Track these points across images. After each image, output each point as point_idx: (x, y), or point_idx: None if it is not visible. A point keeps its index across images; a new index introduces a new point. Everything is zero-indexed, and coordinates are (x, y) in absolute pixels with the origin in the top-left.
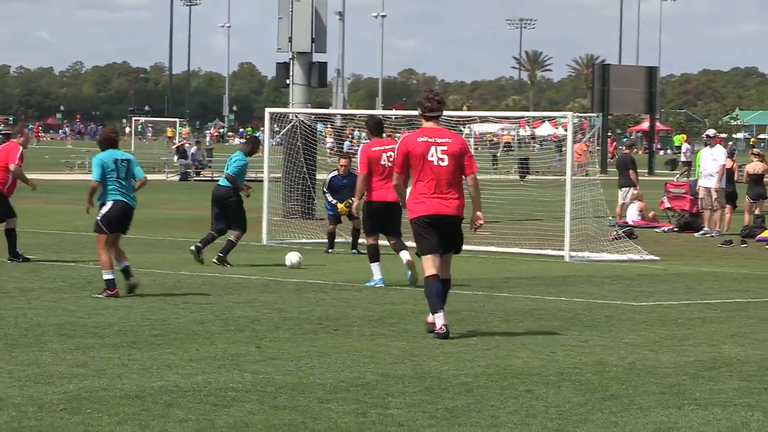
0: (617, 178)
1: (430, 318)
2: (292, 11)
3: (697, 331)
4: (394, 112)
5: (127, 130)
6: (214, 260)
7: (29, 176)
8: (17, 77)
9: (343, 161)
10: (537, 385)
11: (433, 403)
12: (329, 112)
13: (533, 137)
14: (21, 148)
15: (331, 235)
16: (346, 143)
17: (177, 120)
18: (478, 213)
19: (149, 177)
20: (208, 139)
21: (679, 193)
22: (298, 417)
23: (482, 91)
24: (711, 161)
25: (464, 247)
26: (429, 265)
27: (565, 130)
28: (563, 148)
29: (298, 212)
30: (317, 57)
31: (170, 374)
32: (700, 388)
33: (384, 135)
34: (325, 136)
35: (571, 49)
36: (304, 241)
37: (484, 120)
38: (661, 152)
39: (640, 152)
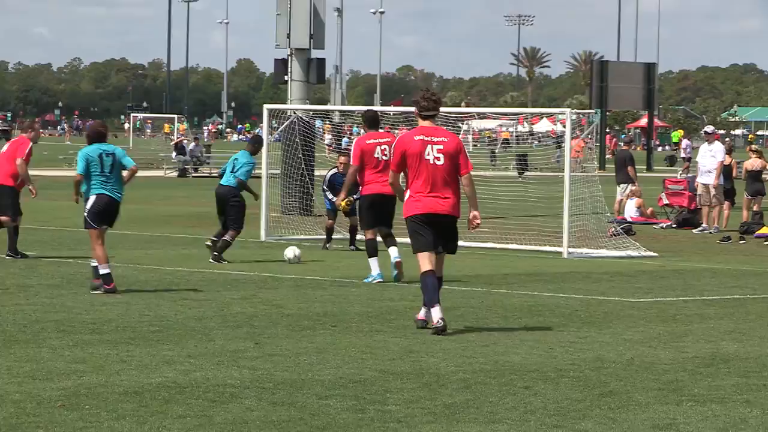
0: (615, 174)
1: (420, 315)
2: (290, 8)
3: (695, 327)
4: (392, 108)
5: (126, 126)
6: (211, 259)
7: (31, 173)
8: (15, 73)
9: (342, 159)
10: (535, 381)
11: (432, 400)
12: (328, 109)
13: (531, 134)
14: (30, 143)
15: (329, 230)
16: (345, 140)
17: (175, 116)
18: (475, 212)
19: (148, 174)
20: (205, 135)
21: (677, 189)
22: (297, 413)
23: (480, 87)
24: (709, 158)
25: (463, 243)
26: (425, 262)
27: (564, 127)
28: (562, 145)
29: (296, 208)
30: (315, 53)
31: (168, 370)
32: (698, 384)
33: (379, 129)
34: (324, 133)
35: (569, 45)
36: (302, 237)
37: (482, 116)
38: (660, 148)
39: (638, 149)
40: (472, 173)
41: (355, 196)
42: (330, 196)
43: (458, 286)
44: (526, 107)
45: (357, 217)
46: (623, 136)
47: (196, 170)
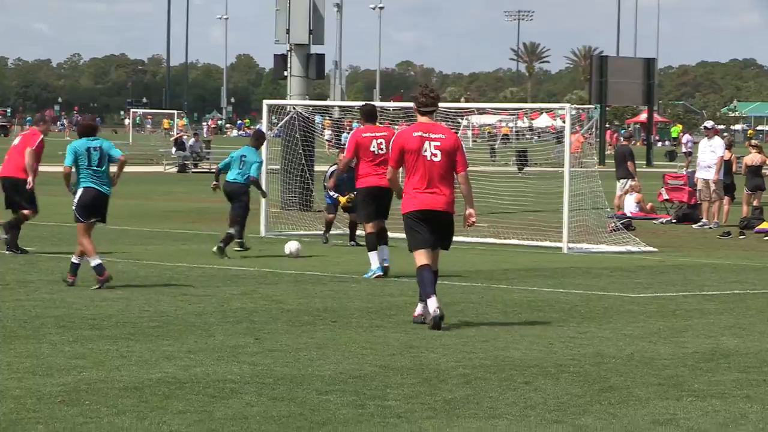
0: (615, 169)
1: (416, 311)
2: (289, 3)
3: (695, 322)
4: (391, 103)
5: (127, 122)
6: (214, 249)
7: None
8: (15, 69)
9: (340, 156)
10: (535, 376)
11: (432, 395)
12: (327, 104)
13: (531, 129)
14: (42, 135)
15: (329, 224)
16: (345, 135)
17: (175, 112)
18: (471, 210)
19: (148, 169)
20: (205, 131)
21: (677, 184)
22: (297, 409)
23: (480, 82)
24: (709, 153)
25: (463, 239)
26: (421, 258)
27: (563, 122)
28: (563, 140)
29: (296, 204)
30: (315, 49)
31: (169, 366)
32: (698, 379)
33: (377, 123)
34: (323, 128)
35: (568, 40)
36: (302, 232)
37: (482, 112)
38: (659, 144)
39: (638, 144)
40: (473, 168)
41: (355, 193)
42: (332, 193)
43: (458, 281)
44: (526, 102)
45: (356, 215)
46: (623, 131)
47: (195, 166)
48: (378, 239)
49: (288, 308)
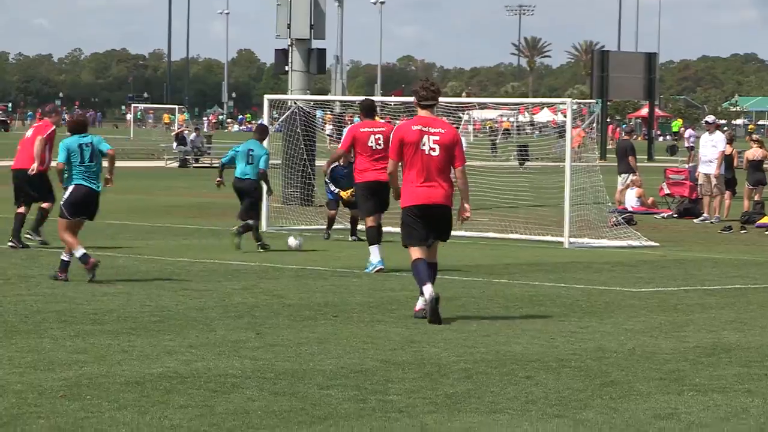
0: (616, 164)
1: (418, 306)
2: None
3: (696, 317)
4: (393, 98)
5: (128, 117)
6: (234, 229)
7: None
8: (16, 64)
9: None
10: (537, 371)
11: (433, 390)
12: (328, 99)
13: (532, 123)
14: (53, 126)
15: (331, 221)
16: (346, 130)
17: (176, 107)
18: (466, 205)
19: (149, 164)
20: (206, 126)
21: (678, 179)
22: (298, 403)
23: (481, 77)
24: (710, 147)
25: (464, 233)
26: (416, 253)
27: (565, 117)
28: (565, 135)
29: (297, 199)
30: (316, 43)
31: (170, 361)
32: (699, 374)
33: (375, 118)
34: (325, 123)
35: (570, 35)
36: (303, 227)
37: (483, 107)
38: (660, 138)
39: (639, 138)
40: (475, 164)
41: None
42: (333, 188)
43: (459, 276)
44: (527, 97)
45: (357, 210)
46: (624, 125)
47: (196, 161)
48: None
49: (289, 303)
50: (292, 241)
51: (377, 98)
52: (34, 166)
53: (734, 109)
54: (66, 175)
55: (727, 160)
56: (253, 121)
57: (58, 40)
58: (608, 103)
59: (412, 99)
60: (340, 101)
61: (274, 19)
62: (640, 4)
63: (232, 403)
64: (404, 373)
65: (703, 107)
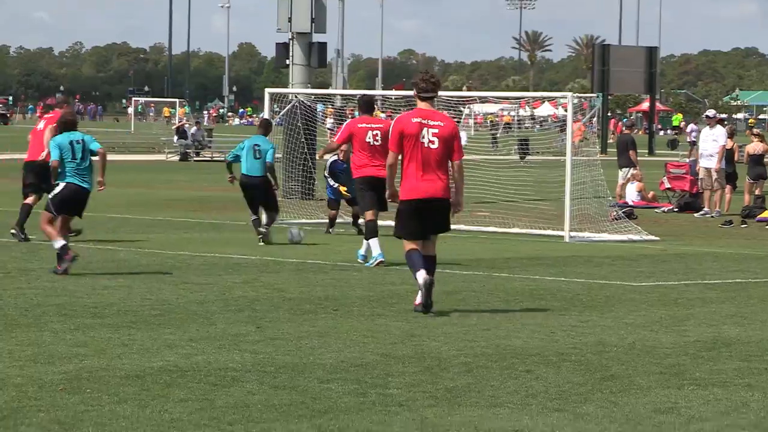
0: (617, 158)
1: (418, 300)
2: None
3: (697, 311)
4: (393, 92)
5: (129, 110)
6: (261, 241)
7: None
8: (17, 57)
9: (343, 146)
10: (537, 365)
11: (433, 383)
12: (329, 93)
13: (533, 118)
14: None
15: (332, 220)
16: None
17: (177, 100)
18: (460, 199)
19: (150, 158)
20: (206, 119)
21: (679, 173)
22: (298, 397)
23: (482, 71)
24: (711, 142)
25: (465, 227)
26: (410, 244)
27: (565, 111)
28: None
29: (298, 192)
30: (317, 37)
31: (170, 354)
32: (700, 368)
33: (374, 114)
34: (325, 117)
35: (571, 29)
36: (303, 221)
37: (484, 100)
38: (661, 132)
39: (640, 132)
40: (476, 157)
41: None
42: (332, 183)
43: (460, 270)
44: (528, 91)
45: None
46: (625, 120)
47: (197, 154)
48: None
49: (289, 297)
50: (294, 235)
51: (378, 92)
52: (44, 154)
53: (735, 104)
54: (59, 171)
55: (727, 154)
56: (254, 115)
57: (59, 34)
58: (609, 97)
59: (412, 92)
60: (341, 95)
61: (275, 12)
62: None
63: (232, 396)
64: (404, 367)
65: (704, 101)
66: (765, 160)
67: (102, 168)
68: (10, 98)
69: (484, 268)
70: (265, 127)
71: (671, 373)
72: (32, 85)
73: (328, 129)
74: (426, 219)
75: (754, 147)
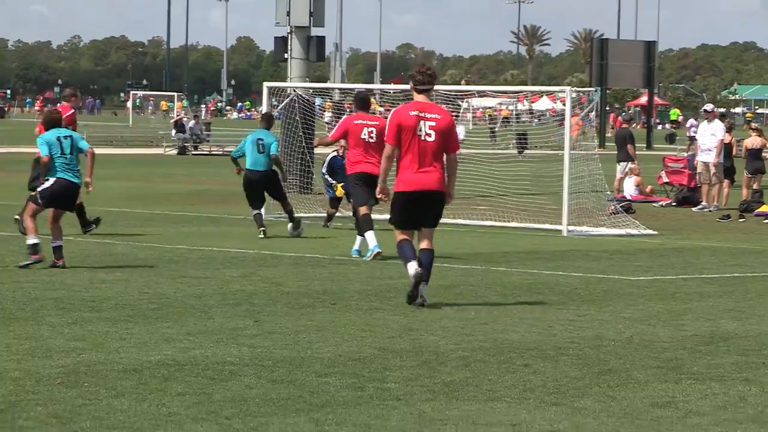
0: (615, 152)
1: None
2: None
3: (694, 305)
4: (392, 86)
5: (128, 104)
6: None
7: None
8: (15, 51)
9: (341, 142)
10: (534, 359)
11: (431, 377)
12: (328, 87)
13: (531, 112)
14: (72, 110)
15: (330, 216)
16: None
17: (175, 94)
18: (451, 191)
19: (148, 151)
20: (203, 113)
21: (677, 167)
22: (296, 391)
23: (480, 65)
24: (709, 136)
25: (462, 221)
26: (401, 234)
27: (564, 105)
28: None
29: (296, 186)
30: (315, 31)
31: (168, 348)
32: (697, 362)
33: (369, 111)
34: (324, 111)
35: (569, 23)
36: (301, 215)
37: (482, 94)
38: (659, 127)
39: (638, 127)
40: (474, 151)
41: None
42: (330, 179)
43: (458, 264)
44: (526, 85)
45: None
46: (623, 114)
47: (195, 148)
48: (368, 227)
49: (287, 291)
50: (294, 228)
51: (376, 86)
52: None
53: (733, 98)
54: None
55: (725, 148)
56: (253, 109)
57: (57, 27)
58: (607, 91)
59: (408, 85)
60: (340, 89)
61: (273, 6)
62: None
63: (230, 390)
64: (402, 361)
65: (702, 95)
66: (763, 154)
67: (90, 168)
68: (8, 92)
69: (481, 262)
70: (268, 121)
71: (669, 368)
72: (30, 78)
73: (326, 123)
74: (420, 211)
75: (752, 141)
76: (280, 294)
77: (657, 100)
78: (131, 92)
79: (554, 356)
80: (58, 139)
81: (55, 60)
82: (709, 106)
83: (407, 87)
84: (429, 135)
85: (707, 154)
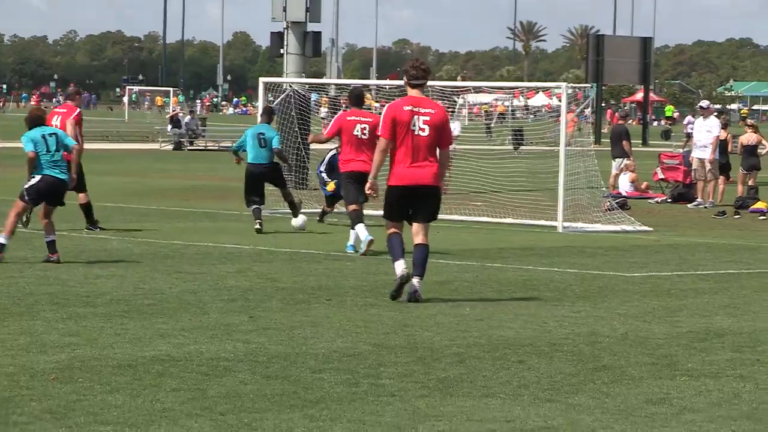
0: (611, 148)
1: (398, 271)
2: None
3: (689, 302)
4: (388, 82)
5: (124, 99)
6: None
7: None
8: (11, 46)
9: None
10: (529, 355)
11: (426, 374)
12: (324, 82)
13: (527, 108)
14: (78, 109)
15: (325, 213)
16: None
17: (171, 89)
18: (440, 184)
19: (144, 146)
20: (198, 108)
21: (672, 164)
22: (290, 387)
23: (476, 61)
24: (705, 132)
25: (458, 217)
26: (392, 227)
27: (560, 101)
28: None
29: (291, 182)
30: (312, 26)
31: (162, 344)
32: (692, 359)
33: (363, 108)
34: (320, 106)
35: (565, 19)
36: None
37: (478, 90)
38: (655, 123)
39: (634, 123)
40: (469, 147)
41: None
42: (325, 177)
43: (453, 260)
44: (522, 81)
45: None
46: (619, 110)
47: (191, 143)
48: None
49: (282, 286)
50: (298, 221)
51: (372, 82)
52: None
53: (729, 94)
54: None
55: (721, 145)
56: (249, 104)
57: (54, 22)
58: (603, 87)
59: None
60: (336, 84)
61: (269, 1)
62: None
63: (225, 386)
64: (397, 357)
65: (698, 92)
66: (758, 150)
67: (75, 164)
68: (4, 86)
69: (477, 259)
70: (269, 115)
71: (663, 364)
72: (26, 73)
73: (322, 118)
74: (413, 205)
75: (748, 138)
76: (275, 290)
77: (653, 96)
78: (127, 87)
79: (549, 353)
80: (43, 136)
81: (51, 55)
82: (704, 103)
83: (402, 83)
84: (423, 130)
85: (702, 151)
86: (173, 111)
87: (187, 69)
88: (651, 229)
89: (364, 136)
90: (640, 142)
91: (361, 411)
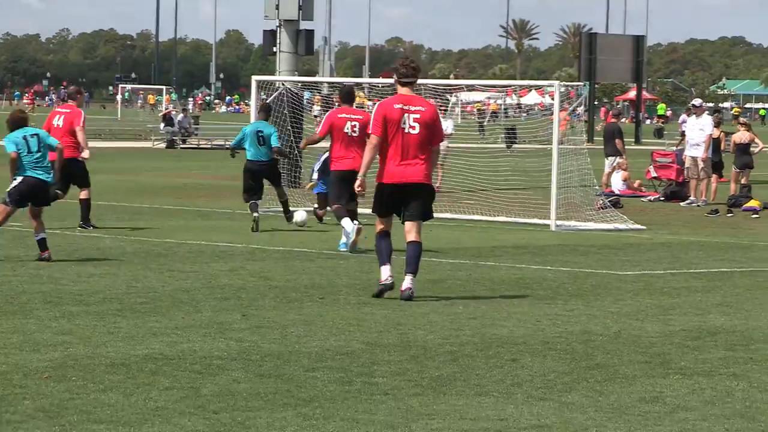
0: (603, 147)
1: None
2: None
3: (682, 300)
4: (380, 80)
5: (117, 97)
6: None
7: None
8: (4, 44)
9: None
10: (522, 354)
11: (419, 372)
12: (316, 80)
13: (519, 106)
14: (81, 110)
15: (319, 218)
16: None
17: (164, 87)
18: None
19: (137, 145)
20: (191, 106)
21: (665, 162)
22: (284, 385)
23: (469, 59)
24: (697, 131)
25: (451, 215)
26: (380, 224)
27: (552, 99)
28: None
29: (284, 180)
30: (304, 25)
31: (155, 342)
32: (685, 357)
33: (354, 105)
34: (312, 104)
35: (558, 17)
36: (291, 209)
37: (470, 88)
38: (648, 121)
39: (626, 121)
40: (462, 145)
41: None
42: (316, 176)
43: (446, 258)
44: (515, 80)
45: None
46: (613, 108)
47: (184, 141)
48: (345, 215)
49: (275, 285)
50: (300, 217)
51: (365, 80)
52: (85, 153)
53: (722, 92)
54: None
55: (714, 143)
56: (242, 102)
57: (46, 20)
58: (596, 85)
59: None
60: (328, 83)
61: None
62: None
63: (218, 385)
64: (390, 356)
65: (691, 90)
66: (751, 149)
67: (59, 164)
68: None
69: (469, 257)
70: (266, 112)
71: (656, 363)
72: (19, 71)
73: (315, 117)
74: (403, 203)
75: (741, 136)
76: (268, 288)
77: (645, 94)
78: (120, 85)
79: (542, 351)
80: (25, 138)
81: (44, 53)
82: (697, 101)
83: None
84: (413, 128)
85: (695, 149)
86: (166, 109)
87: (180, 67)
88: (644, 227)
89: (354, 134)
90: (633, 140)
91: (354, 409)
